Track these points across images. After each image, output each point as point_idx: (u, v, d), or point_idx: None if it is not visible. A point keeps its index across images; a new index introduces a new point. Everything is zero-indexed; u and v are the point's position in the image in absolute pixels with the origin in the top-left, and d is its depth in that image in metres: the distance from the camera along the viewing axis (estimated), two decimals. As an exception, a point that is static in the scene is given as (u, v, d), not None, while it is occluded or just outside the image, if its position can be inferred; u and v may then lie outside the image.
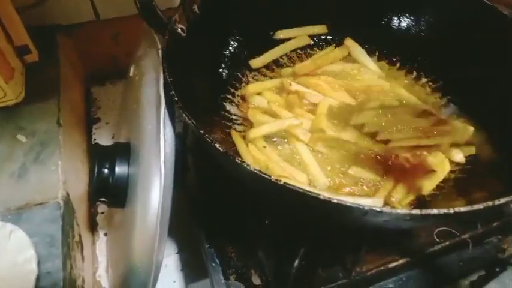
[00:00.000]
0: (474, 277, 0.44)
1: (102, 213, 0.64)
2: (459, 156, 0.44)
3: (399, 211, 0.28)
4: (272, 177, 0.29)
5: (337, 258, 0.44)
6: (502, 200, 0.29)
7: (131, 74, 0.47)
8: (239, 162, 0.30)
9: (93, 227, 0.62)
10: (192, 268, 0.59)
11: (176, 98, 0.34)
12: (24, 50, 0.59)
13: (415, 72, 0.56)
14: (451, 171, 0.44)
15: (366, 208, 0.28)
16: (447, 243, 0.46)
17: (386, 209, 0.28)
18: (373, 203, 0.33)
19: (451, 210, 0.28)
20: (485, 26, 0.49)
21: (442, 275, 0.44)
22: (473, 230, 0.47)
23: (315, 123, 0.46)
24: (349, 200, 0.28)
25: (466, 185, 0.42)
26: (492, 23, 0.48)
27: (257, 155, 0.43)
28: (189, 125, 0.33)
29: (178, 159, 0.38)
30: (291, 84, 0.48)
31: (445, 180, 0.43)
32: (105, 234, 0.62)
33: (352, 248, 0.42)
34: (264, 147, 0.46)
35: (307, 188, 0.28)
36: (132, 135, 0.44)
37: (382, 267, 0.43)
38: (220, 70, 0.50)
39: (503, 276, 0.44)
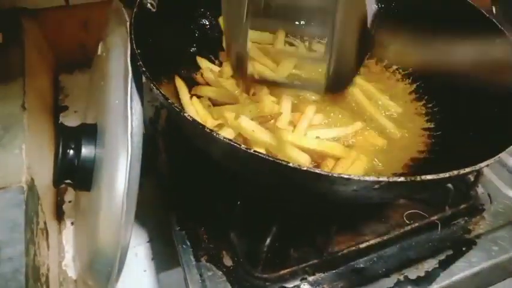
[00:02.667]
0: (442, 256, 0.45)
1: (69, 202, 0.62)
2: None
3: (367, 178, 0.28)
4: (243, 146, 0.28)
5: (308, 239, 0.44)
6: (467, 170, 0.30)
7: (99, 52, 0.46)
8: (208, 131, 0.29)
9: (59, 216, 0.60)
10: (164, 257, 0.57)
11: (144, 68, 0.33)
12: (-15, 29, 0.57)
13: (386, 60, 0.57)
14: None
15: (335, 175, 0.27)
16: (416, 224, 0.47)
17: (354, 177, 0.28)
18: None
19: (418, 178, 0.28)
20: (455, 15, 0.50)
21: (412, 254, 0.45)
22: (442, 212, 0.48)
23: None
24: (318, 169, 0.28)
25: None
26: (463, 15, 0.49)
27: (199, 108, 0.43)
28: (158, 96, 0.32)
29: (145, 138, 0.37)
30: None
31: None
32: (72, 224, 0.59)
33: (323, 228, 0.42)
34: (209, 106, 0.45)
35: (278, 157, 0.28)
36: (99, 115, 0.43)
37: (353, 248, 0.44)
38: (192, 50, 0.50)
39: (470, 255, 0.46)
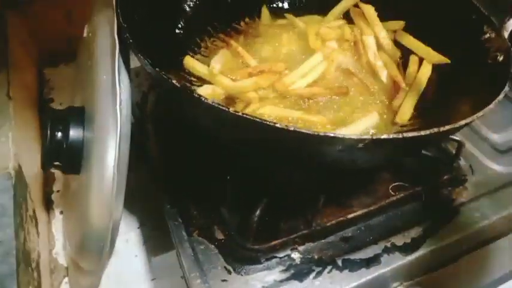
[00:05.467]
0: (427, 224, 0.46)
1: (58, 191, 0.62)
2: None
3: (351, 136, 0.29)
4: (230, 108, 0.29)
5: (297, 212, 0.45)
6: (447, 127, 0.31)
7: (84, 34, 0.46)
8: (197, 96, 0.30)
9: (48, 205, 0.60)
10: (155, 242, 0.58)
11: (131, 40, 0.34)
12: (-32, 21, 0.57)
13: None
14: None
15: (320, 134, 0.28)
16: (401, 195, 0.48)
17: (339, 135, 0.29)
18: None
19: (400, 135, 0.30)
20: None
21: (398, 223, 0.46)
22: (426, 184, 0.50)
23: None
24: (304, 129, 0.29)
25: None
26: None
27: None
28: (145, 66, 0.33)
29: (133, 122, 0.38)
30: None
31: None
32: (61, 213, 0.59)
33: (311, 201, 0.43)
34: None
35: (264, 118, 0.29)
36: (87, 95, 0.43)
37: (341, 218, 0.45)
38: (177, 31, 0.50)
39: (453, 222, 0.47)
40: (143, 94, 0.57)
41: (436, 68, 0.48)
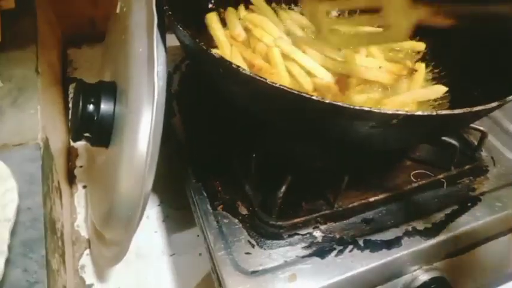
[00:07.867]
0: (448, 211, 0.47)
1: (80, 167, 0.63)
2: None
3: (387, 111, 0.29)
4: (268, 80, 0.29)
5: (320, 192, 0.45)
6: (479, 107, 0.32)
7: (117, 10, 0.47)
8: (235, 67, 0.30)
9: (71, 180, 0.61)
10: (174, 220, 0.59)
11: (170, 12, 0.34)
12: (0, -6, 0.58)
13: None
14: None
15: (356, 108, 0.29)
16: (423, 182, 0.48)
17: (375, 109, 0.29)
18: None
19: (434, 113, 0.30)
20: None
21: (419, 208, 0.47)
22: (447, 172, 0.50)
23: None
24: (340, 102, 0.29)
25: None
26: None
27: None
28: (184, 37, 0.33)
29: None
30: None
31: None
32: (84, 187, 0.61)
33: (334, 183, 0.44)
34: None
35: (300, 91, 0.29)
36: (119, 70, 0.44)
37: (363, 201, 0.45)
38: (210, 6, 0.51)
39: (474, 210, 0.47)
40: (169, 74, 0.58)
41: (462, 58, 0.49)
